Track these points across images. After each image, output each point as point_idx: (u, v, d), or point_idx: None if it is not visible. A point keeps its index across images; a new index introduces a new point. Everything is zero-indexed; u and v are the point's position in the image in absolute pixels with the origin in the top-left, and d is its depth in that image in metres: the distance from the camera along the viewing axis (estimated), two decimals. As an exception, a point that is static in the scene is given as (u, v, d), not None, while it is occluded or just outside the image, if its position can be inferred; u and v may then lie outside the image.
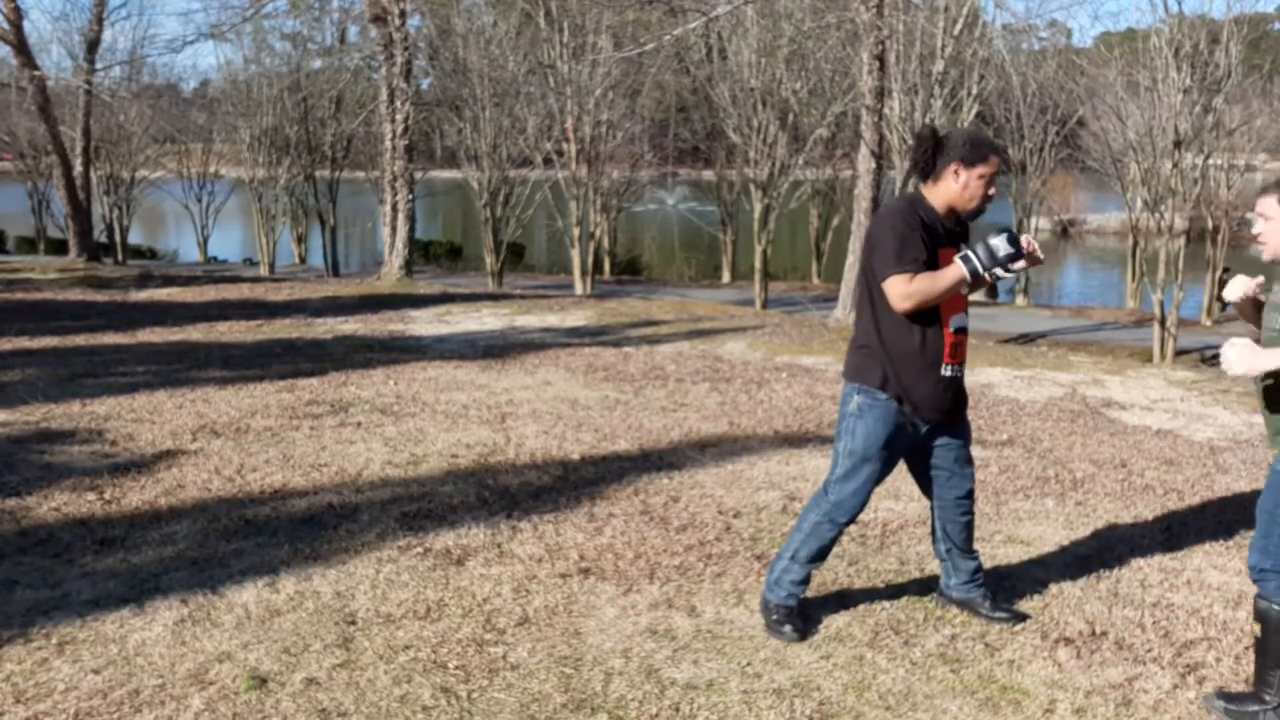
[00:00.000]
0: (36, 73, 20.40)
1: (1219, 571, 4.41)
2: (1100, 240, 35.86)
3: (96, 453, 5.78)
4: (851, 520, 3.71)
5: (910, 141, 16.52)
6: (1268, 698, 3.20)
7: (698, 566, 4.31)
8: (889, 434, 3.58)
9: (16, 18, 19.83)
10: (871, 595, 4.07)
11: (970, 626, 3.82)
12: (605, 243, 26.18)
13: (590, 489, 5.29)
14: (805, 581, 3.77)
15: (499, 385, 7.81)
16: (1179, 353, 14.17)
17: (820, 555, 3.74)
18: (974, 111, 18.72)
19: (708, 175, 30.54)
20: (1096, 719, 3.24)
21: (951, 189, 3.51)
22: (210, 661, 3.44)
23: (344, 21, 32.48)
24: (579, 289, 21.71)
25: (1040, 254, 3.56)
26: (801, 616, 3.76)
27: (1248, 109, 18.89)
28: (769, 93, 21.24)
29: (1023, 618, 3.86)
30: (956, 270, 3.42)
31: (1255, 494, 5.51)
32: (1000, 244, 3.40)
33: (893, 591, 4.11)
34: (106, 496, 5.02)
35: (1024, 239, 3.49)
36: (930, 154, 3.51)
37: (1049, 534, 4.82)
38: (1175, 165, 14.58)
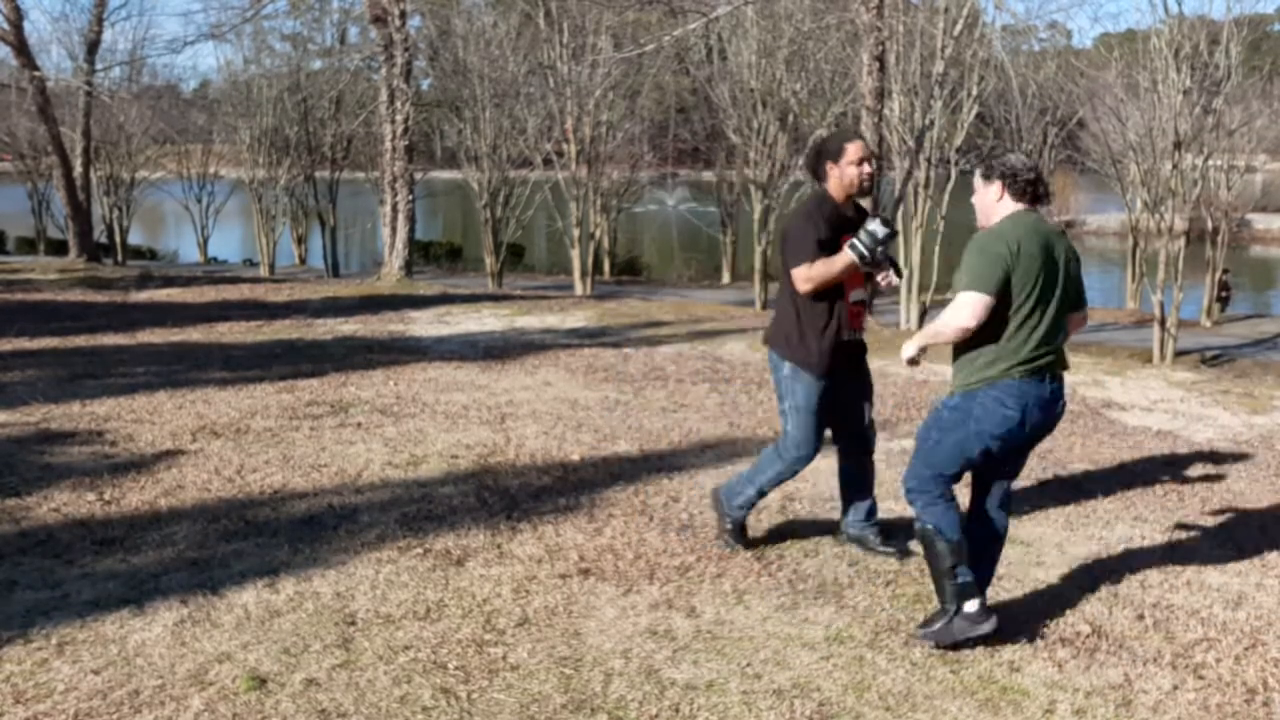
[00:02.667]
0: (36, 73, 20.40)
1: (1219, 572, 4.41)
2: (1100, 241, 35.87)
3: (96, 453, 5.77)
4: (810, 458, 4.38)
5: (910, 143, 16.55)
6: (947, 606, 3.60)
7: (698, 566, 4.31)
8: (820, 391, 4.31)
9: (16, 18, 19.83)
10: (871, 595, 4.07)
11: (970, 627, 3.82)
12: (605, 243, 26.20)
13: (590, 489, 5.29)
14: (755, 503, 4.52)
15: (499, 386, 7.81)
16: (1179, 353, 14.18)
17: (777, 484, 4.48)
18: (974, 112, 18.72)
19: (708, 176, 30.59)
20: (1096, 719, 3.24)
21: (837, 180, 4.29)
22: (210, 662, 3.44)
23: (344, 22, 32.55)
24: (579, 289, 21.72)
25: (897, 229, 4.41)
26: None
27: (1248, 110, 18.88)
28: (769, 93, 21.25)
29: (908, 554, 4.37)
30: (846, 255, 4.16)
31: (1255, 495, 5.53)
32: (876, 227, 4.15)
33: (893, 592, 4.11)
34: (106, 497, 5.02)
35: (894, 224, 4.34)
36: (813, 164, 4.37)
37: (1049, 534, 4.82)
38: (1175, 166, 14.59)
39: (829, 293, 4.23)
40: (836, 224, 4.26)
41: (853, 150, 4.26)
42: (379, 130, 19.69)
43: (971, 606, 3.58)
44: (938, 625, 3.61)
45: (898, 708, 3.26)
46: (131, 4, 58.68)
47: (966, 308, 3.47)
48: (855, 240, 4.17)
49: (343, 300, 13.41)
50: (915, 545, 3.98)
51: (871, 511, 4.54)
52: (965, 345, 3.57)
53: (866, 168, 4.28)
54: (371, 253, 29.44)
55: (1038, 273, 3.49)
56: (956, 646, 3.59)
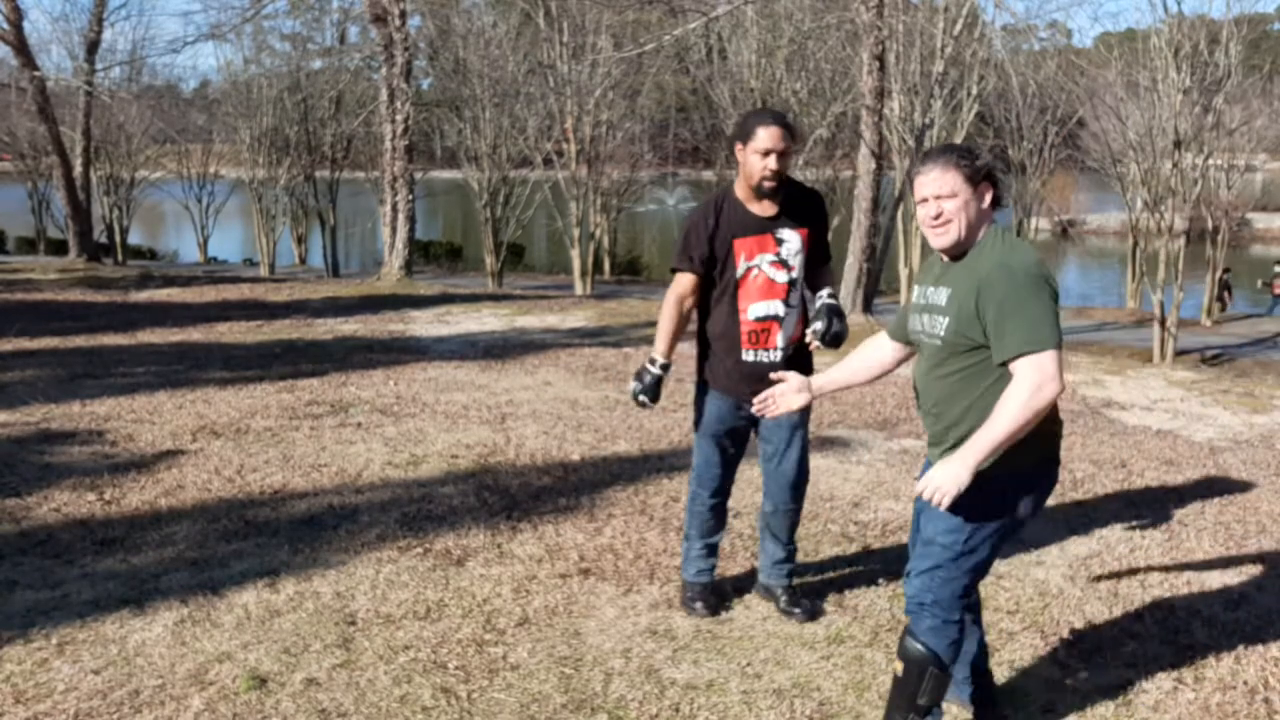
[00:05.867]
0: (36, 73, 20.39)
1: (1219, 572, 4.41)
2: (1100, 240, 35.87)
3: (96, 453, 5.78)
4: (714, 492, 3.86)
5: (910, 143, 16.52)
6: None
7: (698, 567, 4.31)
8: (717, 412, 3.76)
9: (16, 18, 19.81)
10: (871, 595, 4.07)
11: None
12: (605, 243, 26.18)
13: (590, 489, 5.29)
14: (709, 556, 3.94)
15: (499, 386, 7.81)
16: (1179, 353, 14.17)
17: (705, 530, 3.90)
18: (974, 111, 18.75)
19: (708, 175, 30.56)
20: (1096, 719, 3.24)
21: (741, 170, 3.60)
22: (210, 662, 3.44)
23: (344, 22, 32.48)
24: (579, 289, 21.72)
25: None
26: (717, 594, 3.94)
27: (1248, 109, 18.86)
28: (769, 93, 21.24)
29: (816, 614, 3.86)
30: (653, 358, 3.73)
31: (1255, 494, 5.53)
32: (643, 396, 3.73)
33: (893, 591, 4.11)
34: (106, 497, 5.02)
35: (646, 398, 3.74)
36: (730, 143, 3.72)
37: (1049, 534, 4.81)
38: (1175, 165, 14.58)
39: (720, 306, 3.67)
40: (733, 227, 3.60)
41: (763, 136, 3.48)
42: (379, 130, 19.68)
43: None
44: None
45: (898, 707, 3.26)
46: (131, 4, 58.83)
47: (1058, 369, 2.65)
48: (654, 367, 3.70)
49: (343, 300, 13.41)
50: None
51: (787, 560, 3.93)
52: (991, 405, 2.70)
53: (773, 162, 3.49)
54: (371, 253, 29.45)
55: None
56: None
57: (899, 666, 2.87)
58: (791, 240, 3.65)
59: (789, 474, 3.80)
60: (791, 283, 3.65)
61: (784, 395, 3.11)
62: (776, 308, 3.64)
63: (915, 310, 2.93)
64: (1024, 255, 2.71)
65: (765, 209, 3.63)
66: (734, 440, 3.82)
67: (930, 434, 2.94)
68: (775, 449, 3.79)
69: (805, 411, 3.75)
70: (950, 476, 2.62)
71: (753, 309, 3.63)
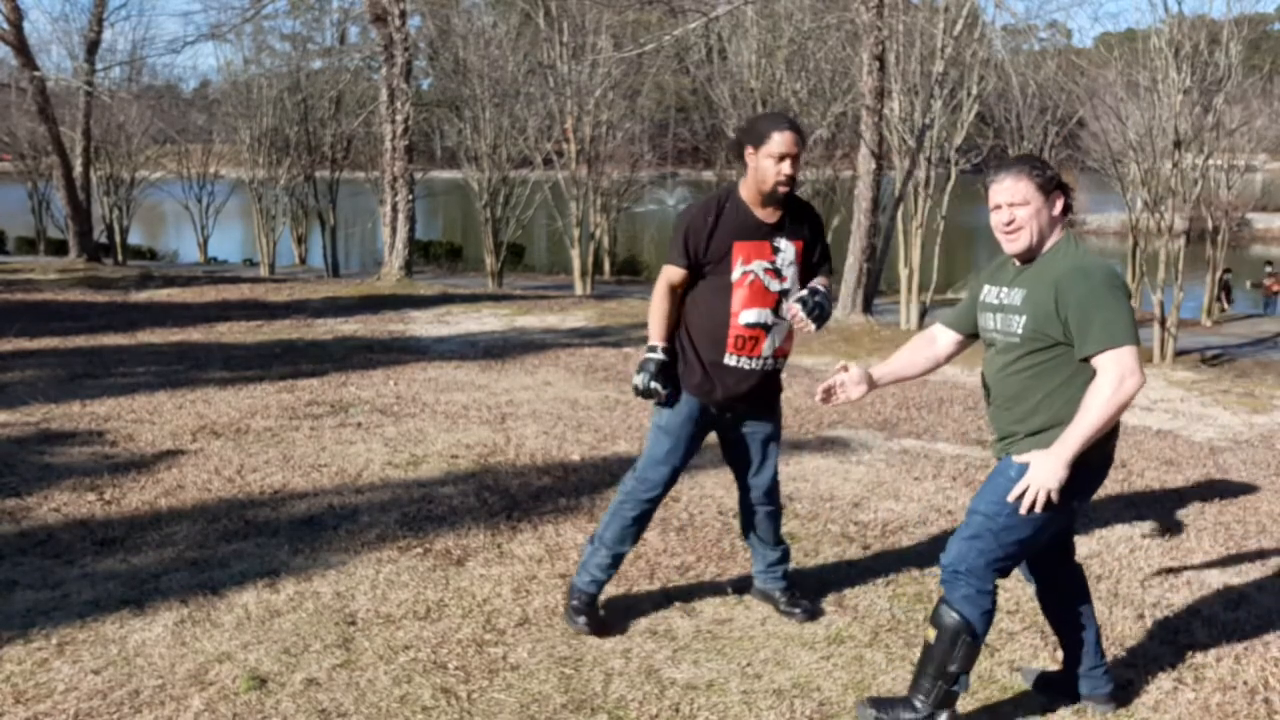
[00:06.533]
0: (36, 73, 20.39)
1: (1219, 572, 4.41)
2: (1100, 240, 35.85)
3: (96, 453, 5.77)
4: (650, 499, 3.71)
5: (910, 143, 16.50)
6: (918, 704, 3.00)
7: (698, 566, 4.31)
8: (688, 412, 3.64)
9: (16, 18, 19.82)
10: (871, 595, 4.07)
11: (970, 627, 3.81)
12: (605, 243, 26.19)
13: (590, 489, 5.29)
14: (610, 567, 3.76)
15: (499, 386, 7.81)
16: (1179, 353, 14.18)
17: (619, 538, 3.73)
18: (974, 112, 18.74)
19: (708, 175, 30.56)
20: (1096, 719, 3.24)
21: (751, 174, 3.53)
22: (210, 662, 3.44)
23: (344, 22, 32.51)
24: (579, 289, 21.73)
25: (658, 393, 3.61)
26: (603, 620, 3.73)
27: (1247, 109, 18.86)
28: (769, 93, 21.24)
29: (815, 614, 3.86)
30: (649, 351, 3.62)
31: (1255, 494, 5.53)
32: (654, 383, 3.57)
33: (893, 592, 4.11)
34: (106, 497, 5.02)
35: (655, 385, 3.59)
36: (737, 146, 3.59)
37: (1049, 534, 4.81)
38: (1175, 165, 14.58)
39: (710, 306, 3.58)
40: (734, 229, 3.55)
41: (778, 141, 3.44)
42: (379, 130, 19.69)
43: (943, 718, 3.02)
44: (902, 715, 3.02)
45: (898, 707, 3.26)
46: (131, 4, 58.90)
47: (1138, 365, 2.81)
48: (653, 360, 3.56)
49: (343, 300, 13.41)
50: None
51: (781, 561, 3.94)
52: (1062, 400, 2.88)
53: (787, 167, 3.46)
54: (371, 253, 29.45)
55: None
56: None
57: (931, 634, 2.97)
58: (787, 251, 3.61)
59: (765, 483, 3.84)
60: (783, 293, 3.59)
61: (844, 386, 3.22)
62: (766, 316, 3.59)
63: (988, 310, 3.05)
64: (1096, 259, 2.89)
65: (769, 215, 3.58)
66: (690, 443, 3.70)
67: (998, 429, 3.05)
68: (754, 461, 3.80)
69: (777, 424, 3.83)
70: (1049, 472, 2.80)
71: (745, 315, 3.56)
